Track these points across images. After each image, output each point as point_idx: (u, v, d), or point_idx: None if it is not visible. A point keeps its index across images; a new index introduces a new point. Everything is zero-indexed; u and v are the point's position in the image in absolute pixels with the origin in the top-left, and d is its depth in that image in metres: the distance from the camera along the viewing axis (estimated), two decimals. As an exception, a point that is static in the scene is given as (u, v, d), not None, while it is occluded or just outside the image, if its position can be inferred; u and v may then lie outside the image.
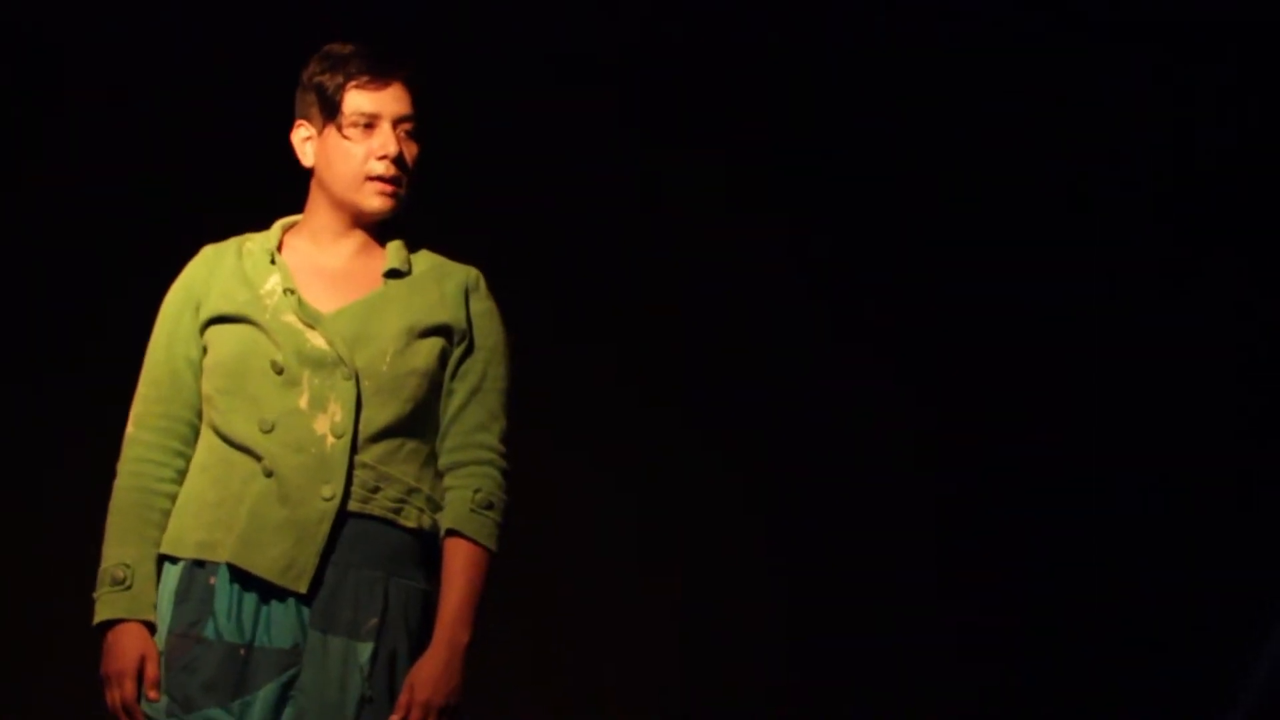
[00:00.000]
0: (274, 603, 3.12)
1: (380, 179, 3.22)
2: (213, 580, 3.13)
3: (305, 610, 3.12)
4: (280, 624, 3.11)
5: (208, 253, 3.32)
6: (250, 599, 3.12)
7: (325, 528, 3.12)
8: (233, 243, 3.32)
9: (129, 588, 3.16)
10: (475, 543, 3.19)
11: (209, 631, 3.11)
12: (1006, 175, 5.03)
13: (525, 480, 3.29)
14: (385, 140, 3.22)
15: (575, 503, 4.95)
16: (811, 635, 5.02)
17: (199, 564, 3.15)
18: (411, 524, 3.18)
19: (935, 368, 5.05)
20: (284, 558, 3.10)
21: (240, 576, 3.12)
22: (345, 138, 3.22)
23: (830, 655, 5.00)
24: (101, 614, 3.17)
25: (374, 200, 3.23)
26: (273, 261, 3.25)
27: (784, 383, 5.07)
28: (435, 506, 3.21)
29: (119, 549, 3.19)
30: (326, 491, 3.12)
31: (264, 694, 3.08)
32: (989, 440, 5.00)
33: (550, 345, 4.58)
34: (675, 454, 5.04)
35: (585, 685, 4.97)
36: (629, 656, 5.00)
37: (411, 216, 3.32)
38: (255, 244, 3.30)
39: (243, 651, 3.10)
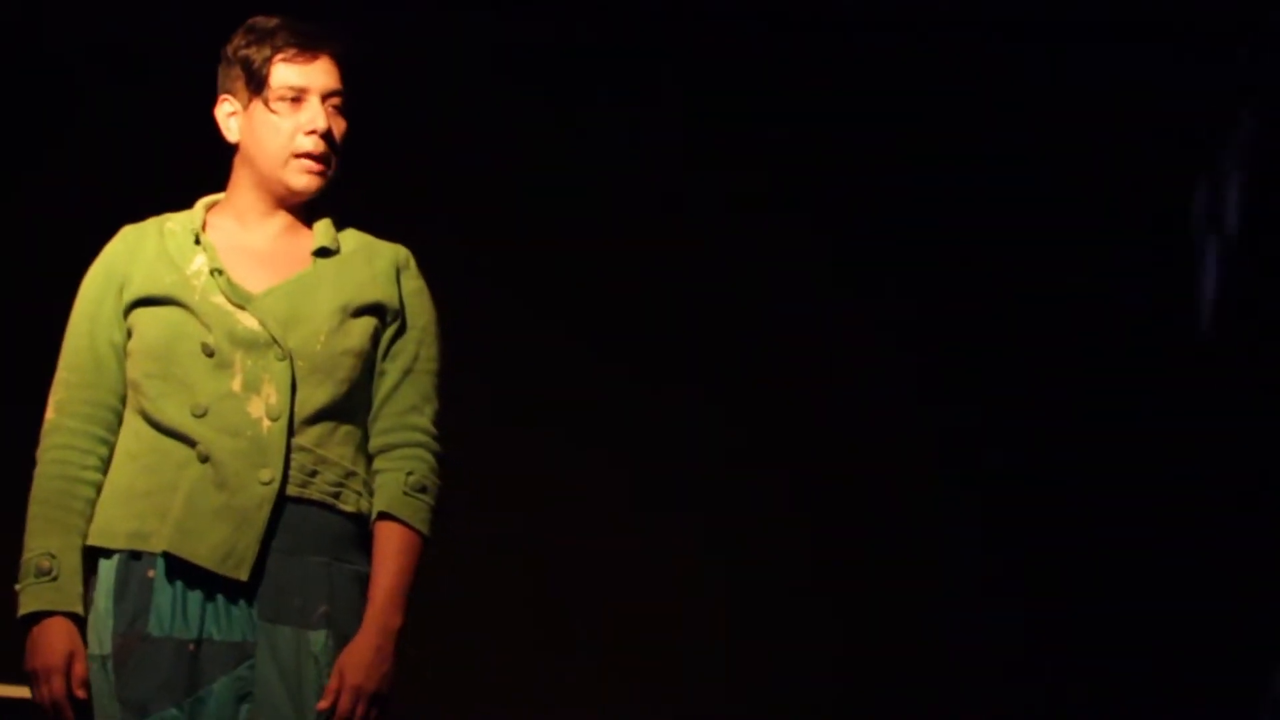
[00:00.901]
0: (220, 595, 3.02)
1: (309, 155, 3.13)
2: (151, 573, 3.02)
3: (249, 603, 3.02)
4: (229, 617, 3.02)
5: (127, 233, 3.21)
6: (195, 593, 3.01)
7: (265, 513, 3.02)
8: (153, 222, 3.21)
9: (55, 579, 3.04)
10: (408, 526, 3.11)
11: (153, 627, 3.00)
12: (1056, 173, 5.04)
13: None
14: (314, 115, 3.13)
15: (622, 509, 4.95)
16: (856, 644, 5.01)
17: (135, 557, 3.03)
18: (350, 508, 3.10)
19: (977, 366, 5.05)
20: (223, 545, 3.01)
21: (180, 567, 3.01)
22: (272, 112, 3.13)
23: (876, 661, 5.00)
24: (27, 606, 3.04)
25: (300, 178, 3.14)
26: (197, 241, 3.15)
27: (818, 377, 5.05)
28: (372, 490, 3.14)
29: (43, 539, 3.06)
30: (265, 475, 3.03)
31: (218, 689, 2.99)
32: (1035, 442, 5.02)
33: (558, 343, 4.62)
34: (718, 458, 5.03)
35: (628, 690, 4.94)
36: (672, 664, 4.97)
37: (338, 194, 3.24)
38: (177, 224, 3.19)
39: (191, 647, 3.00)
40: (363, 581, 3.10)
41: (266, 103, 3.13)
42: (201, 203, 3.23)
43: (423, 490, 3.14)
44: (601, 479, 4.97)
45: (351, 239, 3.23)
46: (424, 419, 3.18)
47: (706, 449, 5.02)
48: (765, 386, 5.03)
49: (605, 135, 5.06)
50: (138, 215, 3.25)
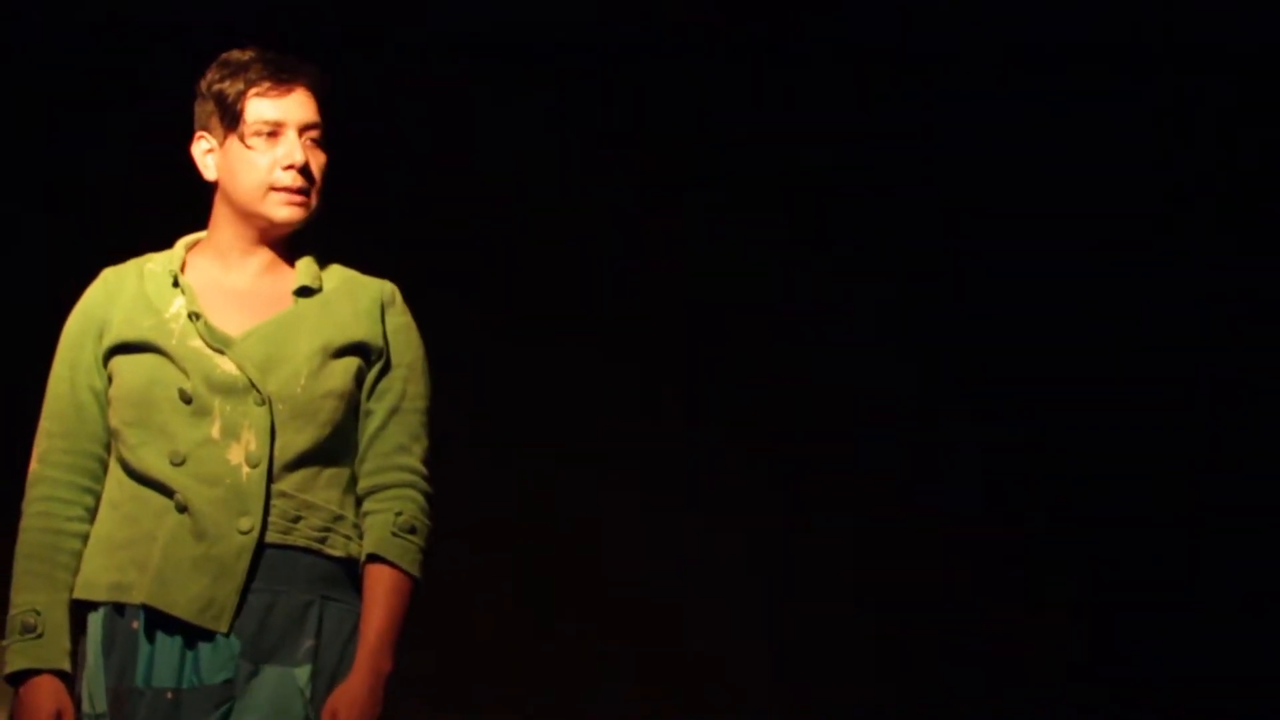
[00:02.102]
0: (202, 641, 2.95)
1: (287, 189, 3.05)
2: (135, 625, 2.97)
3: (236, 641, 2.96)
4: (209, 660, 2.95)
5: (107, 276, 3.14)
6: (175, 640, 2.95)
7: (244, 563, 2.96)
8: (133, 264, 3.15)
9: (40, 636, 2.99)
10: (397, 568, 3.03)
11: (139, 679, 2.95)
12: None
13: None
14: (290, 149, 3.05)
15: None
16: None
17: (119, 610, 2.98)
18: (339, 552, 3.03)
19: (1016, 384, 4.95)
20: (202, 596, 2.94)
21: (161, 618, 2.95)
22: (248, 147, 3.06)
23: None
24: (13, 664, 2.99)
25: (281, 210, 3.06)
26: (176, 283, 3.08)
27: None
28: (362, 533, 3.06)
29: (29, 595, 3.01)
30: (244, 524, 2.96)
31: None
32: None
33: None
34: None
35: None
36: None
37: (320, 231, 3.16)
38: (157, 265, 3.12)
39: (170, 695, 2.94)
40: (354, 617, 3.03)
41: (242, 138, 3.06)
42: (182, 242, 3.16)
43: (412, 531, 3.05)
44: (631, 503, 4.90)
45: (335, 276, 3.15)
46: (412, 458, 3.09)
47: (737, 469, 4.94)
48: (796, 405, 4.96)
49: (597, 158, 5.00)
50: (126, 256, 3.19)
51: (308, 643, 2.98)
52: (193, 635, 2.95)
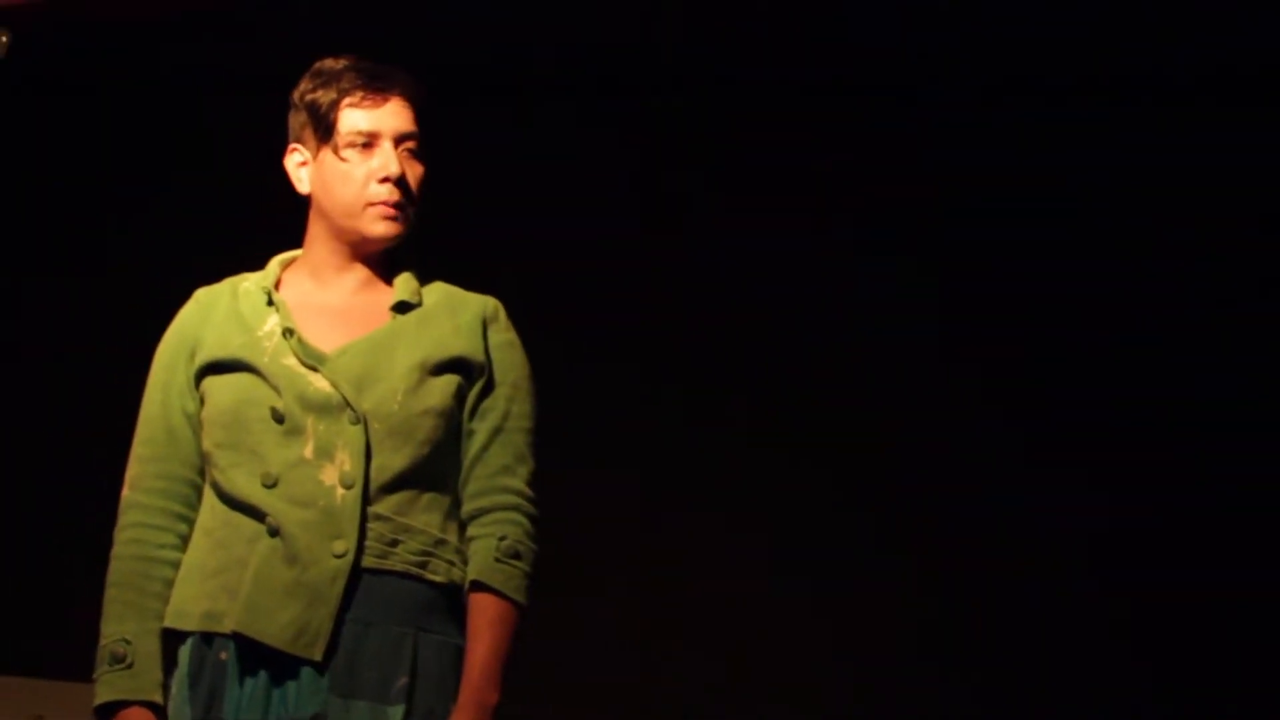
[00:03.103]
0: (292, 672, 2.81)
1: (383, 203, 2.94)
2: (224, 655, 2.83)
3: (323, 680, 2.81)
4: (299, 693, 2.81)
5: (200, 296, 3.04)
6: (264, 673, 2.81)
7: (339, 588, 2.81)
8: (227, 283, 3.04)
9: (130, 666, 2.87)
10: (501, 596, 2.88)
11: (226, 712, 2.81)
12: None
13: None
14: (386, 160, 2.94)
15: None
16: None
17: (207, 640, 2.85)
18: (440, 578, 2.88)
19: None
20: (294, 624, 2.80)
21: (252, 647, 2.81)
22: (342, 160, 2.94)
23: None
24: (102, 696, 2.87)
25: (378, 225, 2.94)
26: (270, 301, 2.97)
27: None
28: (465, 559, 2.91)
29: (118, 624, 2.89)
30: (338, 548, 2.82)
31: None
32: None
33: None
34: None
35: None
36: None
37: (420, 246, 3.04)
38: (251, 283, 3.02)
39: None
40: (453, 652, 2.88)
41: (336, 150, 2.95)
42: (276, 260, 3.06)
43: (516, 556, 2.91)
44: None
45: (436, 292, 3.02)
46: (517, 480, 2.95)
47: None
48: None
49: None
50: (220, 275, 3.11)
51: (402, 680, 2.83)
52: (283, 667, 2.81)
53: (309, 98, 2.98)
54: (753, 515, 4.81)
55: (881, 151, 4.85)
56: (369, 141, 2.94)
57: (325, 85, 2.97)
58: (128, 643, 2.88)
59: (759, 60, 4.91)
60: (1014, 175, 4.77)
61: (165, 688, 2.89)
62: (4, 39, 4.67)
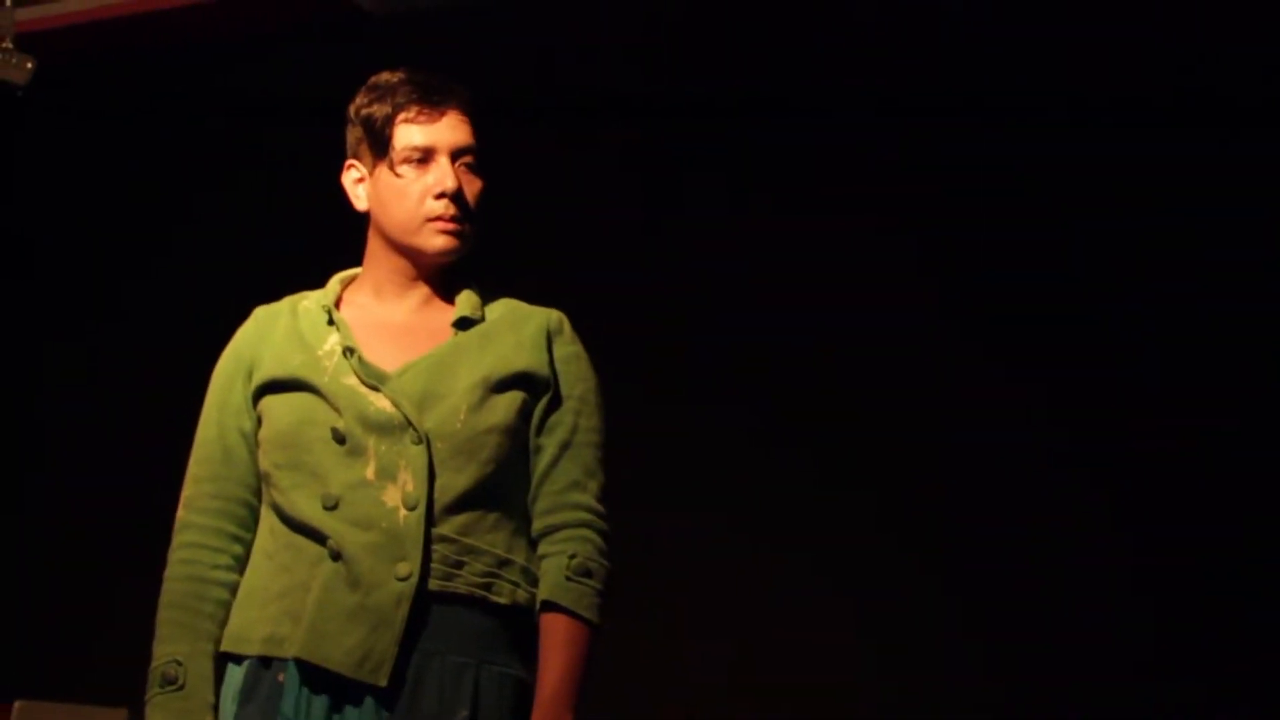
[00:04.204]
0: (350, 700, 2.74)
1: (440, 218, 2.87)
2: (280, 677, 2.76)
3: (384, 709, 2.73)
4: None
5: (259, 315, 2.99)
6: (321, 699, 2.74)
7: (404, 611, 2.74)
8: (287, 302, 2.99)
9: (181, 688, 2.80)
10: (573, 615, 2.80)
11: None
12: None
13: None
14: (442, 175, 2.87)
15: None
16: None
17: (265, 662, 2.78)
18: (505, 600, 2.81)
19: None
20: (359, 648, 2.73)
21: (311, 673, 2.74)
22: (398, 175, 2.88)
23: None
24: (153, 718, 2.81)
25: (436, 240, 2.88)
26: (331, 319, 2.91)
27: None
28: (533, 580, 2.84)
29: (170, 645, 2.83)
30: (402, 570, 2.75)
31: None
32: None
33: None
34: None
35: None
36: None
37: (483, 262, 2.98)
38: (312, 302, 2.96)
39: None
40: (515, 685, 2.80)
41: (392, 166, 2.89)
42: (337, 278, 3.00)
43: (587, 574, 2.83)
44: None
45: (499, 307, 2.96)
46: (587, 496, 2.88)
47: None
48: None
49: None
50: (283, 293, 3.06)
51: (462, 713, 2.75)
52: (343, 693, 2.74)
53: (364, 113, 2.92)
54: (750, 516, 4.80)
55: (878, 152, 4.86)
56: (425, 157, 2.88)
57: (380, 100, 2.91)
58: (179, 664, 2.82)
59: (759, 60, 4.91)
60: (1014, 175, 4.76)
61: (217, 709, 2.83)
62: (29, 65, 4.67)
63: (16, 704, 5.04)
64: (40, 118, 5.90)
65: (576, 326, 2.99)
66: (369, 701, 2.74)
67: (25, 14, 5.29)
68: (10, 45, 4.94)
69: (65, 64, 5.61)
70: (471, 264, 2.96)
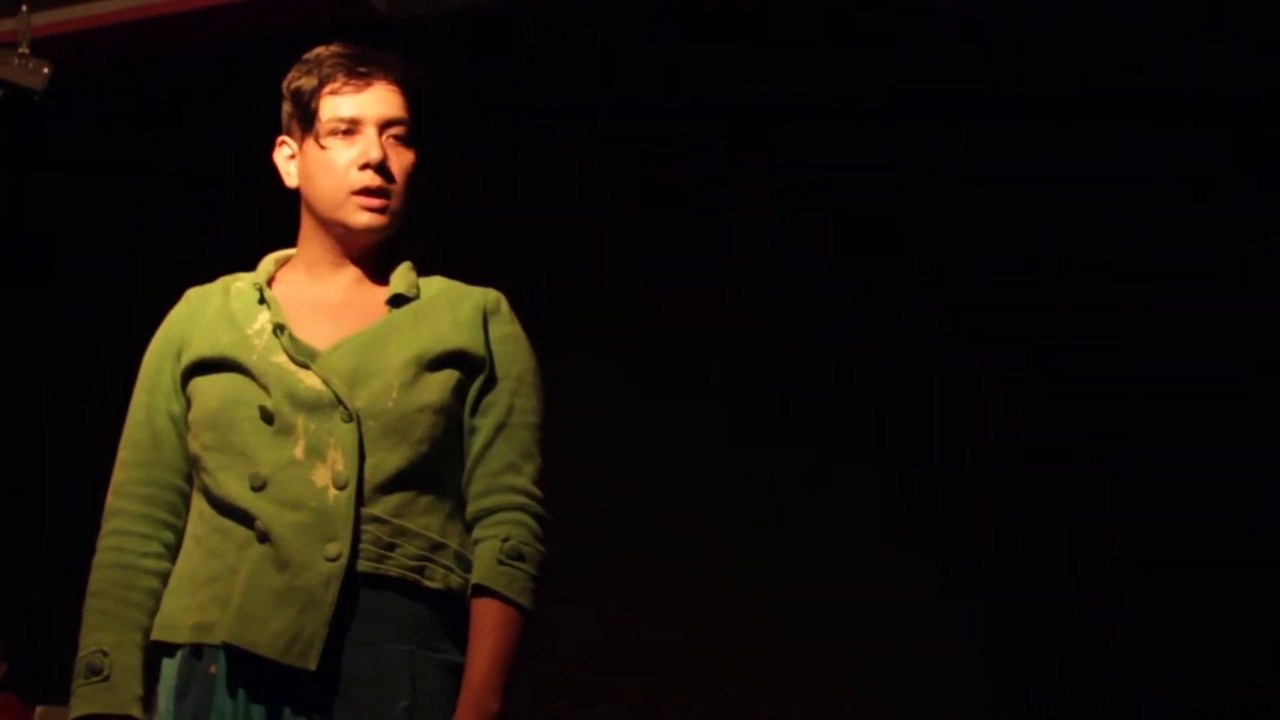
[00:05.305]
0: (288, 692, 2.65)
1: (365, 191, 2.80)
2: (213, 669, 2.68)
3: (321, 704, 2.65)
4: (293, 709, 2.65)
5: (191, 295, 2.91)
6: (258, 689, 2.66)
7: (333, 593, 2.65)
8: (220, 283, 2.91)
9: (107, 679, 2.72)
10: (504, 600, 2.72)
11: None
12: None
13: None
14: (367, 146, 2.79)
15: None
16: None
17: (197, 653, 2.70)
18: (438, 585, 2.72)
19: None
20: (287, 631, 2.64)
21: (244, 661, 2.66)
22: (324, 148, 2.81)
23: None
24: (77, 710, 2.73)
25: (360, 216, 2.79)
26: (262, 298, 2.84)
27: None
28: (467, 565, 2.75)
29: (96, 635, 2.75)
30: (331, 550, 2.67)
31: None
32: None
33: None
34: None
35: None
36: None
37: (423, 238, 2.91)
38: (245, 282, 2.89)
39: None
40: (453, 671, 2.72)
41: (318, 139, 2.82)
42: (271, 257, 2.93)
43: (519, 558, 2.74)
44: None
45: (435, 285, 2.88)
46: (522, 478, 2.79)
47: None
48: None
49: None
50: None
51: (403, 702, 2.67)
52: (277, 682, 2.66)
53: (293, 86, 2.86)
54: (751, 515, 4.75)
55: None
56: (351, 128, 2.81)
57: (309, 73, 2.85)
58: (105, 655, 2.74)
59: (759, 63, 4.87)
60: (1014, 175, 4.71)
61: (148, 701, 2.74)
62: (46, 70, 4.65)
63: (38, 710, 5.03)
64: (56, 123, 5.89)
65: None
66: (302, 692, 2.65)
67: (41, 19, 5.28)
68: (26, 50, 4.92)
69: (82, 69, 5.59)
70: (412, 240, 2.89)
